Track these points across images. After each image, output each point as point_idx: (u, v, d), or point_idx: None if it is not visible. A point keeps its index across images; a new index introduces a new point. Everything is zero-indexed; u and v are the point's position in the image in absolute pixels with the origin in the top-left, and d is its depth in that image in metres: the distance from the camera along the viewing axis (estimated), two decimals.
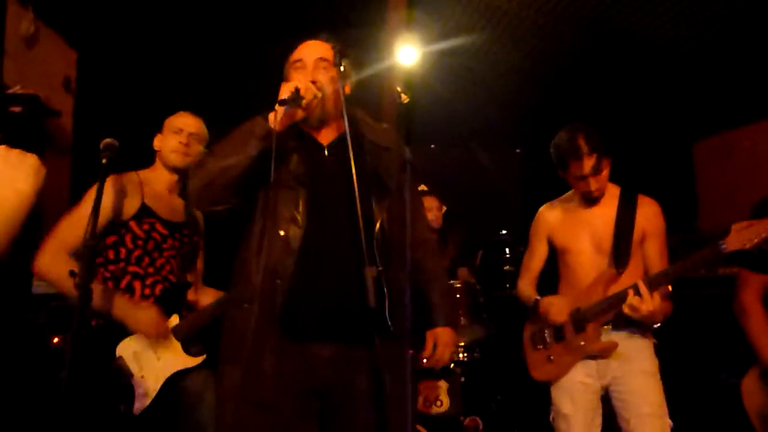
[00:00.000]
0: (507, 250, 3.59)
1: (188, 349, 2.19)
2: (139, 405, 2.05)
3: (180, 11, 3.46)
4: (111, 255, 2.16)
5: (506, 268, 3.60)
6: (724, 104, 4.49)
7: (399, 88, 3.68)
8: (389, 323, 1.68)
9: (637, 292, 2.03)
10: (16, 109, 2.83)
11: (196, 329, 2.21)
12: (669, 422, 2.14)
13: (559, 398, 2.27)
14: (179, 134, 2.28)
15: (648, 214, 2.25)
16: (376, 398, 1.67)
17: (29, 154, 1.04)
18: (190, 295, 2.40)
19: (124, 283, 2.15)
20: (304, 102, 1.66)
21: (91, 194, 2.01)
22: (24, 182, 1.01)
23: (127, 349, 2.10)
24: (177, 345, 2.17)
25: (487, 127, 4.61)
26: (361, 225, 1.59)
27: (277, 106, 1.63)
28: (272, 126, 1.63)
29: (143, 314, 2.09)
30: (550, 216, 2.42)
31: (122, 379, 2.05)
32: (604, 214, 2.28)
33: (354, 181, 1.59)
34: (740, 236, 1.91)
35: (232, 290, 1.83)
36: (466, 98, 4.29)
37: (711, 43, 3.86)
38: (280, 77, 1.93)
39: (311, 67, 1.81)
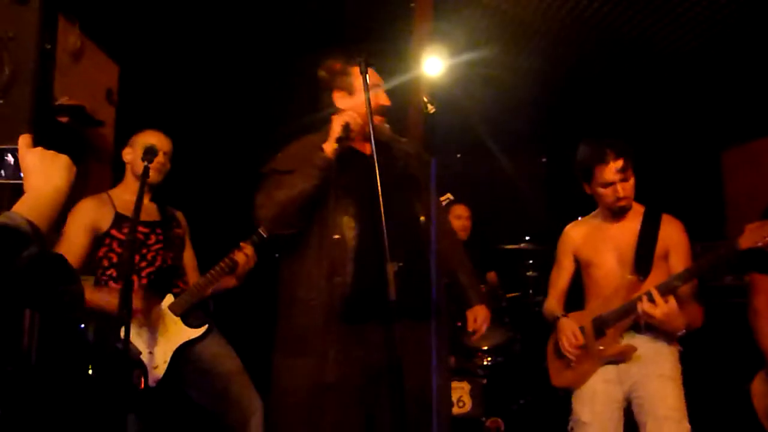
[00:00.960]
0: (530, 256, 3.64)
1: (189, 322, 2.40)
2: (154, 378, 2.26)
3: (216, 26, 3.62)
4: (105, 263, 2.39)
5: (529, 273, 3.64)
6: (753, 113, 4.45)
7: (425, 99, 3.79)
8: (434, 308, 2.03)
9: (651, 298, 2.06)
10: (64, 119, 3.01)
11: (191, 304, 2.42)
12: (687, 426, 2.13)
13: (579, 406, 2.28)
14: (160, 154, 2.41)
15: (671, 232, 2.29)
16: (420, 376, 1.96)
17: (61, 155, 1.18)
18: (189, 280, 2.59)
19: (121, 282, 2.29)
20: (353, 134, 1.99)
21: (72, 218, 2.32)
22: (59, 178, 1.14)
23: (131, 331, 2.26)
24: (178, 320, 2.38)
25: (512, 136, 4.66)
26: (406, 221, 1.99)
27: (334, 143, 1.95)
28: (329, 156, 1.95)
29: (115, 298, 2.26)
30: (576, 233, 2.46)
31: (132, 357, 2.23)
32: (629, 228, 2.31)
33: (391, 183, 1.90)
34: (753, 234, 1.94)
35: (287, 290, 2.05)
36: (490, 108, 4.35)
37: (740, 52, 3.86)
38: (310, 89, 2.16)
39: (374, 92, 2.05)
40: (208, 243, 2.76)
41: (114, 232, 2.37)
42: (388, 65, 2.29)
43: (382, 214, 1.77)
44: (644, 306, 2.07)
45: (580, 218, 2.54)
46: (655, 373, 2.20)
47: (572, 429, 2.32)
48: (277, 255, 2.91)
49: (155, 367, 2.27)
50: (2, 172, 1.20)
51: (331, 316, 1.91)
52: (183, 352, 2.35)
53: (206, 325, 2.43)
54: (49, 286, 1.00)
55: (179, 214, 2.68)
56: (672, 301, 2.06)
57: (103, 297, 2.25)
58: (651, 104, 4.62)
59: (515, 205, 4.66)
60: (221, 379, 2.38)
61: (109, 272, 2.37)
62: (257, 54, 3.88)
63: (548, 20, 3.61)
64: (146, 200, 2.49)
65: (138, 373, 2.24)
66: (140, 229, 2.41)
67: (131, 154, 2.48)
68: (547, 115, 4.58)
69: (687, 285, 2.16)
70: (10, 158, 1.19)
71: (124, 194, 2.46)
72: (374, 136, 2.01)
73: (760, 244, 1.93)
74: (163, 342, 2.33)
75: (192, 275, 2.63)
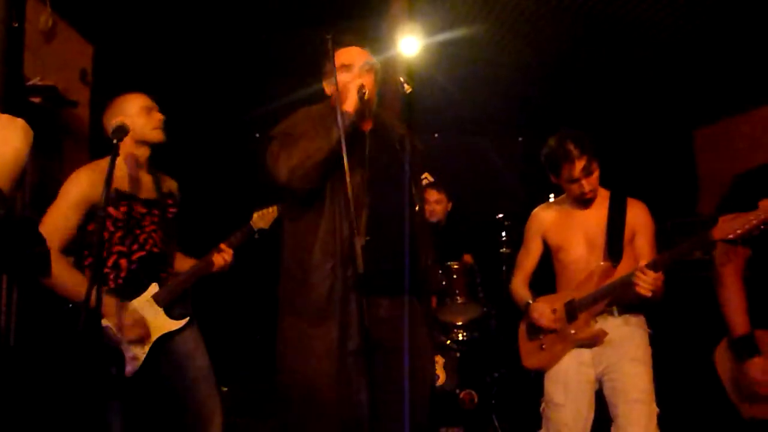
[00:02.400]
0: (503, 233, 3.70)
1: (171, 313, 2.37)
2: (131, 368, 2.22)
3: (189, 5, 3.59)
4: (95, 240, 2.23)
5: (503, 250, 3.71)
6: (724, 91, 4.53)
7: (402, 78, 3.80)
8: (426, 285, 2.14)
9: (644, 273, 2.10)
10: (36, 99, 2.98)
11: (175, 294, 2.39)
12: (656, 409, 2.23)
13: (553, 387, 2.34)
14: (153, 112, 2.38)
15: (637, 214, 2.38)
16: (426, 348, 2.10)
17: (18, 118, 1.20)
18: (174, 263, 2.55)
19: (110, 262, 2.27)
20: (366, 97, 2.00)
21: (66, 190, 2.20)
22: (17, 140, 1.16)
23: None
24: (160, 310, 2.34)
25: (489, 116, 4.70)
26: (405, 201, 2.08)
27: (356, 95, 1.98)
28: (352, 112, 1.97)
29: (130, 318, 2.25)
30: (545, 216, 2.53)
31: (111, 345, 2.20)
32: (596, 214, 2.40)
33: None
34: (726, 227, 2.00)
35: (302, 255, 2.07)
36: (467, 88, 4.37)
37: (711, 32, 3.90)
38: (287, 67, 2.19)
39: (358, 71, 2.09)
40: (193, 226, 2.77)
41: (110, 209, 2.24)
42: (364, 45, 2.30)
43: (349, 188, 1.83)
44: (641, 279, 2.11)
45: (551, 200, 2.61)
46: (627, 357, 2.28)
47: (544, 410, 2.39)
48: (256, 236, 2.95)
49: (133, 358, 2.23)
50: None
51: (347, 283, 1.96)
52: (162, 343, 2.32)
53: (187, 317, 2.40)
54: (15, 247, 1.01)
55: (174, 187, 2.57)
56: (660, 275, 2.13)
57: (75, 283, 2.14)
58: (625, 85, 4.67)
59: (492, 184, 4.71)
60: (190, 379, 2.37)
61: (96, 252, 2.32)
62: (234, 32, 3.86)
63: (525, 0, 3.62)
64: (144, 172, 2.42)
65: (116, 361, 2.23)
66: (138, 208, 2.33)
67: (131, 122, 2.26)
68: (524, 96, 4.62)
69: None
70: None
71: (122, 167, 2.33)
72: (375, 117, 2.17)
73: (731, 236, 2.00)
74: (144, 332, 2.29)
75: (177, 256, 2.59)
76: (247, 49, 4.02)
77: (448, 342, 3.42)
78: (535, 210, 2.60)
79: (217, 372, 2.47)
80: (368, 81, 2.09)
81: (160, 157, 2.52)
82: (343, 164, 1.91)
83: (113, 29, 3.72)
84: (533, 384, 2.56)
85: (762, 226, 1.97)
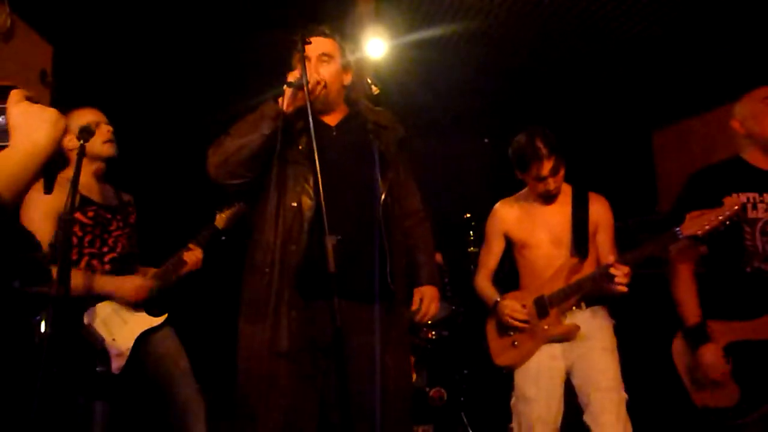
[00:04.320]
0: (471, 232, 3.75)
1: (150, 310, 2.42)
2: (117, 365, 2.26)
3: (151, 5, 3.54)
4: (61, 243, 2.27)
5: (470, 249, 3.76)
6: (681, 94, 4.68)
7: (369, 80, 3.81)
8: (391, 285, 1.99)
9: (619, 268, 2.17)
10: None
11: (153, 293, 2.43)
12: (625, 395, 2.30)
13: (523, 382, 2.38)
14: (101, 125, 2.40)
15: (599, 209, 2.45)
16: (372, 355, 1.94)
17: (49, 109, 1.10)
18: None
19: (83, 264, 2.31)
20: (309, 87, 1.85)
21: (32, 195, 2.17)
22: (40, 133, 1.07)
23: (94, 317, 2.29)
24: (141, 309, 2.40)
25: (455, 117, 4.75)
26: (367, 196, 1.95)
27: (285, 88, 1.89)
28: (281, 107, 1.89)
29: (129, 283, 2.34)
30: (507, 213, 2.54)
31: (95, 344, 2.20)
32: (560, 210, 2.45)
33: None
34: (693, 224, 2.09)
35: (248, 257, 2.03)
36: (433, 89, 4.41)
37: (670, 37, 4.03)
38: (251, 70, 2.15)
39: (315, 61, 2.02)
40: (156, 229, 2.76)
41: (78, 215, 2.29)
42: (329, 35, 2.29)
43: (320, 186, 1.74)
44: (620, 278, 2.16)
45: (510, 198, 2.60)
46: (596, 347, 2.34)
47: (514, 405, 2.42)
48: (223, 238, 2.93)
49: (119, 355, 2.26)
50: None
51: (284, 284, 1.91)
52: (144, 340, 2.36)
53: (166, 314, 2.45)
54: (4, 251, 0.94)
55: (130, 198, 2.63)
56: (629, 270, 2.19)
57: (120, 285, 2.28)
58: (587, 87, 4.78)
59: (458, 185, 4.77)
60: (174, 379, 2.41)
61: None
62: (197, 34, 3.82)
63: (486, 3, 3.68)
64: (102, 183, 2.47)
65: (101, 361, 2.23)
66: (103, 213, 2.39)
67: (72, 141, 2.32)
68: (490, 98, 4.68)
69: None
70: (1, 120, 1.09)
71: (84, 176, 2.31)
72: (344, 108, 2.10)
73: (699, 233, 2.08)
74: (126, 330, 2.33)
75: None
76: (212, 51, 3.99)
77: (417, 341, 3.45)
78: (496, 206, 2.61)
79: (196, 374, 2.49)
80: (326, 71, 2.01)
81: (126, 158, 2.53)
82: (291, 158, 1.91)
83: (73, 29, 3.64)
84: (501, 380, 2.59)
85: (727, 222, 2.05)
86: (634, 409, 2.32)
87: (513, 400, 2.43)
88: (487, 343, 2.55)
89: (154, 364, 2.39)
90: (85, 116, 2.38)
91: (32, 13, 3.36)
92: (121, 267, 2.40)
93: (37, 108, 1.09)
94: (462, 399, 3.45)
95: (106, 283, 2.29)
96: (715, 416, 2.19)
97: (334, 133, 2.06)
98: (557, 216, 2.45)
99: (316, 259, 1.86)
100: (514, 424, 2.42)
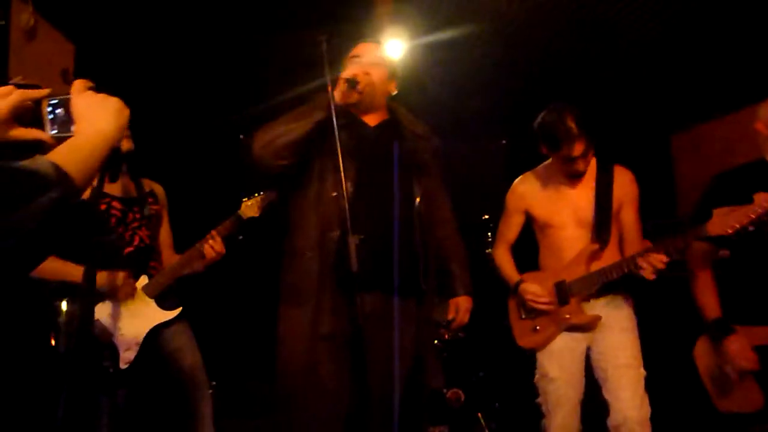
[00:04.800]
0: (489, 234, 3.74)
1: (163, 304, 2.39)
2: (125, 360, 2.25)
3: (173, 5, 3.57)
4: None
5: (488, 251, 3.74)
6: (700, 97, 4.64)
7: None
8: (423, 285, 2.11)
9: (655, 257, 2.16)
10: None
11: (165, 286, 2.41)
12: (643, 372, 2.31)
13: (547, 362, 2.40)
14: None
15: (624, 183, 2.40)
16: (403, 348, 2.04)
17: (112, 98, 1.12)
18: (165, 261, 2.56)
19: None
20: (359, 86, 2.02)
21: None
22: (105, 122, 1.07)
23: (103, 312, 2.27)
24: (151, 302, 2.36)
25: (473, 119, 4.74)
26: (399, 197, 2.05)
27: (340, 81, 2.03)
28: (332, 98, 1.97)
29: (109, 279, 2.28)
30: (528, 189, 2.51)
31: (103, 339, 2.20)
32: (585, 190, 2.40)
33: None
34: (722, 222, 2.03)
35: (288, 243, 2.12)
36: (452, 91, 4.41)
37: (689, 40, 4.01)
38: (273, 69, 2.20)
39: (366, 63, 2.15)
40: (186, 219, 2.76)
41: None
42: (350, 47, 2.33)
43: (344, 184, 1.84)
44: (653, 264, 2.15)
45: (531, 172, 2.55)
46: (615, 327, 2.35)
47: (538, 381, 2.44)
48: (240, 237, 2.94)
49: (127, 350, 2.25)
50: (54, 126, 1.11)
51: (324, 268, 1.98)
52: (155, 335, 2.34)
53: (179, 308, 2.41)
54: (77, 235, 0.94)
55: (158, 189, 2.62)
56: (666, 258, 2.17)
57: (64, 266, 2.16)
58: (606, 89, 4.75)
59: (477, 185, 4.75)
60: (182, 375, 2.39)
61: None
62: (217, 34, 3.85)
63: (505, 3, 3.67)
64: (123, 176, 2.46)
65: (109, 355, 2.23)
66: (116, 205, 2.37)
67: None
68: (507, 99, 4.67)
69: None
70: (60, 111, 1.10)
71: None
72: (391, 112, 2.21)
73: (729, 231, 2.02)
74: (136, 324, 2.30)
75: (167, 253, 2.60)
76: (233, 50, 4.01)
77: (435, 341, 3.44)
78: (516, 182, 2.57)
79: (207, 370, 2.48)
80: (376, 73, 2.13)
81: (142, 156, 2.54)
82: (334, 150, 1.93)
83: (95, 28, 3.68)
84: (517, 381, 2.60)
85: (757, 221, 1.98)
86: (656, 409, 2.31)
87: (537, 377, 2.45)
88: (510, 322, 2.55)
89: (164, 360, 2.38)
90: None
91: (55, 12, 3.39)
92: (137, 262, 2.38)
93: (101, 97, 1.10)
94: (479, 401, 3.44)
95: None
96: (740, 422, 2.16)
97: (372, 133, 2.16)
98: (582, 196, 2.40)
99: (347, 250, 1.93)
100: (540, 400, 2.43)
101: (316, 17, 3.40)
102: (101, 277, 2.25)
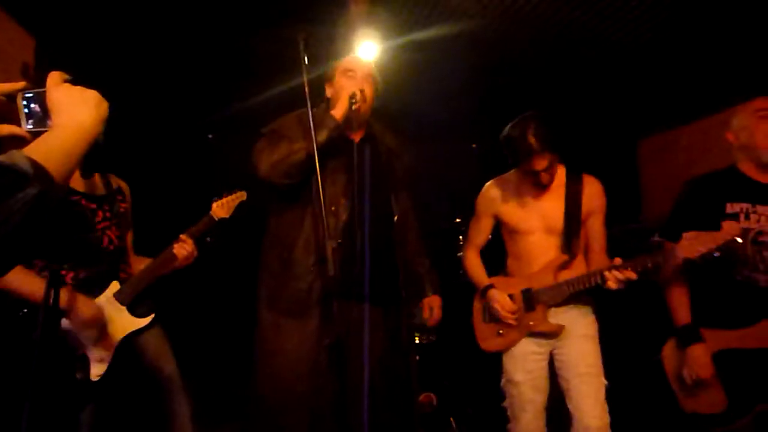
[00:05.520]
0: (461, 237, 3.75)
1: (135, 311, 2.30)
2: (97, 371, 2.15)
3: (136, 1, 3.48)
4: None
5: (460, 254, 3.75)
6: (666, 104, 4.75)
7: None
8: (403, 292, 2.28)
9: (623, 272, 2.18)
10: None
11: (138, 291, 2.32)
12: (604, 381, 2.35)
13: (511, 367, 2.44)
14: None
15: (593, 193, 2.43)
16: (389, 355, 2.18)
17: (90, 90, 1.08)
18: (130, 262, 2.48)
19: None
20: (355, 106, 2.12)
21: None
22: (83, 114, 1.05)
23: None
24: (124, 309, 2.27)
25: (444, 122, 4.75)
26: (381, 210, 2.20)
27: (343, 99, 2.12)
28: (338, 119, 2.11)
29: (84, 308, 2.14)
30: (498, 193, 2.52)
31: (74, 349, 2.10)
32: (553, 198, 2.42)
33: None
34: (690, 246, 2.08)
35: (283, 255, 2.15)
36: (424, 93, 4.41)
37: (656, 46, 4.09)
38: (240, 70, 2.24)
39: (360, 79, 2.23)
40: (149, 219, 2.69)
41: None
42: (323, 49, 2.32)
43: (322, 199, 1.90)
44: (619, 278, 2.19)
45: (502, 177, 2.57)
46: (577, 334, 2.39)
47: (506, 386, 2.47)
48: (208, 239, 2.88)
49: (100, 360, 2.15)
50: (30, 121, 1.08)
51: (328, 279, 1.97)
52: (129, 345, 2.25)
53: (153, 314, 2.34)
54: (56, 231, 0.91)
55: (124, 186, 2.52)
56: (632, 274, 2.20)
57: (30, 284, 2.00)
58: (576, 94, 4.82)
59: (449, 189, 4.77)
60: (159, 384, 2.33)
61: None
62: (183, 32, 3.76)
63: (477, 7, 3.68)
64: (78, 171, 2.32)
65: (80, 367, 2.13)
66: (85, 203, 2.22)
67: None
68: (478, 103, 4.69)
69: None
70: (36, 105, 1.08)
71: None
72: (368, 128, 2.30)
73: (695, 255, 2.06)
74: (109, 333, 2.20)
75: (131, 256, 2.50)
76: (196, 49, 3.93)
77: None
78: (487, 185, 2.59)
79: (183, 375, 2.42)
80: (368, 90, 2.23)
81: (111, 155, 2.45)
82: (328, 166, 2.06)
83: (56, 22, 3.56)
84: (488, 384, 2.62)
85: (724, 247, 2.03)
86: (623, 411, 2.36)
87: (503, 382, 2.49)
88: (473, 323, 2.60)
89: (138, 369, 2.30)
90: None
91: (14, 5, 3.27)
92: (109, 264, 2.28)
93: (78, 90, 1.07)
94: (451, 404, 3.44)
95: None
96: (703, 422, 2.21)
97: (357, 149, 2.24)
98: (550, 205, 2.42)
99: (350, 259, 2.11)
100: (506, 404, 2.47)
101: (289, 18, 3.35)
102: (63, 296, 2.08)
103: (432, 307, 2.48)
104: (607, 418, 2.31)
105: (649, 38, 3.99)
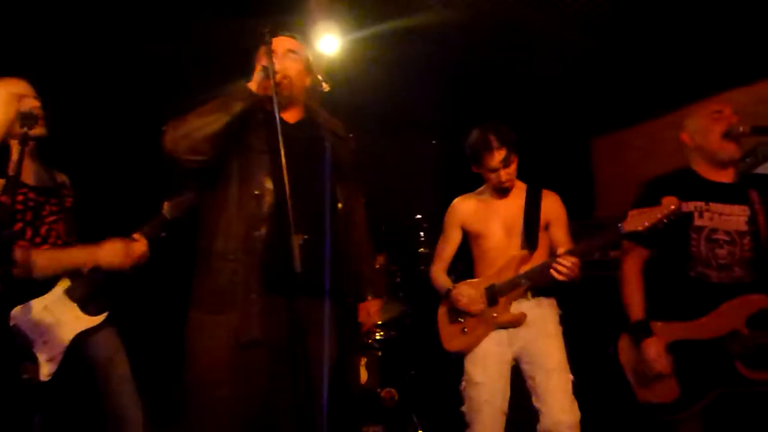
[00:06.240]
0: (422, 233, 3.78)
1: (87, 308, 2.22)
2: (46, 371, 2.06)
3: None
4: None
5: (421, 250, 3.78)
6: (619, 105, 4.89)
7: (320, 77, 3.75)
8: (346, 287, 2.08)
9: (564, 260, 2.29)
10: None
11: (90, 289, 2.24)
12: (571, 377, 2.43)
13: (472, 367, 2.48)
14: (26, 99, 2.15)
15: (551, 205, 2.57)
16: (331, 357, 1.98)
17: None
18: None
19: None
20: (276, 78, 1.89)
21: None
22: None
23: (21, 317, 2.07)
24: (74, 306, 2.18)
25: (404, 118, 4.76)
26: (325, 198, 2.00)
27: (258, 70, 1.93)
28: (252, 88, 1.91)
29: (110, 247, 2.16)
30: (464, 207, 2.65)
31: (22, 348, 2.02)
32: (514, 204, 2.56)
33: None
34: (635, 220, 2.20)
35: (205, 246, 1.96)
36: (385, 87, 4.40)
37: (608, 49, 4.20)
38: (199, 61, 2.09)
39: (281, 56, 2.04)
40: (102, 220, 2.58)
41: (4, 199, 2.02)
42: (295, 35, 2.26)
43: (286, 185, 1.75)
44: (561, 269, 2.29)
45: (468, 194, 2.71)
46: (541, 334, 2.46)
47: (464, 389, 2.51)
48: (163, 234, 2.80)
49: (49, 360, 2.06)
50: None
51: (251, 271, 1.88)
52: (79, 343, 2.16)
53: (105, 313, 2.25)
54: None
55: (65, 179, 2.43)
56: (576, 260, 2.31)
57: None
58: (532, 93, 4.91)
59: (410, 185, 4.79)
60: (111, 386, 2.24)
61: None
62: (144, 21, 3.64)
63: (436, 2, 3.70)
64: (36, 162, 2.24)
65: (29, 367, 2.04)
66: (33, 197, 2.15)
67: (5, 114, 2.07)
68: (438, 99, 4.72)
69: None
70: None
71: (12, 155, 2.13)
72: (307, 111, 2.14)
73: (640, 228, 2.19)
74: (59, 332, 2.12)
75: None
76: (155, 38, 3.81)
77: (369, 341, 3.44)
78: (455, 201, 2.71)
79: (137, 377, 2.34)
80: (292, 66, 2.05)
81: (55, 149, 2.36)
82: (251, 147, 1.91)
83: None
84: (449, 378, 2.65)
85: (665, 220, 2.17)
86: (581, 402, 2.40)
87: (463, 384, 2.53)
88: (438, 329, 2.63)
89: (89, 369, 2.22)
90: (12, 87, 2.14)
91: None
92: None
93: None
94: (413, 399, 3.46)
95: (76, 254, 2.09)
96: (656, 411, 2.29)
97: (292, 131, 2.03)
98: (511, 209, 2.56)
99: (277, 251, 1.87)
100: (464, 408, 2.50)
101: (246, 9, 3.29)
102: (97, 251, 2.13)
103: (368, 312, 2.33)
104: (577, 413, 2.37)
105: (603, 41, 4.10)
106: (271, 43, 1.91)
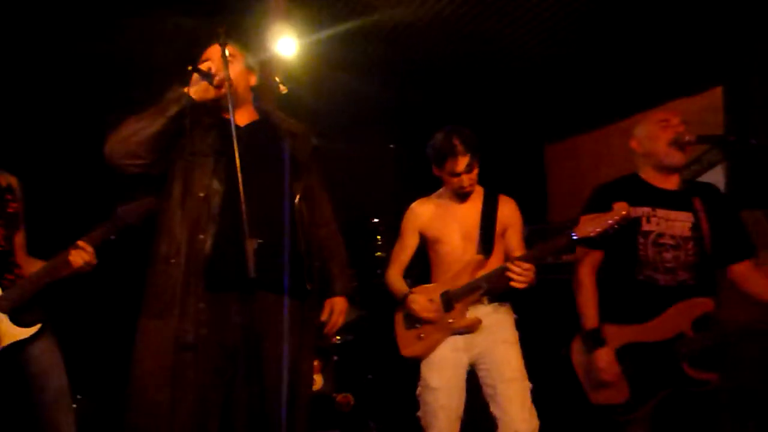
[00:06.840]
0: (379, 237, 3.77)
1: (19, 319, 2.12)
2: None
3: None
4: None
5: (378, 254, 3.78)
6: (572, 111, 5.01)
7: (277, 79, 3.72)
8: (308, 286, 2.04)
9: (518, 266, 2.28)
10: None
11: (23, 299, 2.15)
12: (529, 384, 2.43)
13: (428, 373, 2.46)
14: None
15: (507, 211, 2.58)
16: (285, 360, 1.92)
17: None
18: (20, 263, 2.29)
19: None
20: (215, 80, 1.87)
21: None
22: None
23: None
24: (4, 317, 2.10)
25: (361, 121, 4.75)
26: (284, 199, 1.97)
27: (193, 73, 1.89)
28: (185, 91, 1.88)
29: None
30: (422, 211, 2.63)
31: None
32: (471, 209, 2.55)
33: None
34: (587, 226, 2.23)
35: (153, 250, 1.93)
36: (343, 90, 4.39)
37: (561, 58, 4.31)
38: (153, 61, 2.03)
39: (216, 60, 1.95)
40: (50, 226, 2.47)
41: None
42: (241, 43, 2.23)
43: (240, 186, 1.73)
44: (516, 275, 2.28)
45: (426, 198, 2.68)
46: (499, 340, 2.46)
47: (420, 394, 2.49)
48: (113, 237, 2.70)
49: None
50: None
51: (191, 274, 1.85)
52: (13, 355, 2.07)
53: (39, 324, 2.15)
54: None
55: (14, 182, 2.32)
56: (531, 266, 2.31)
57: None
58: (487, 99, 4.98)
59: (368, 189, 4.78)
60: (44, 400, 2.15)
61: None
62: (103, 19, 3.53)
63: (391, 6, 3.70)
64: None
65: None
66: None
67: None
68: (395, 103, 4.74)
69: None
70: None
71: None
72: (260, 113, 2.11)
73: (592, 234, 2.22)
74: None
75: (20, 256, 2.30)
76: (110, 36, 3.69)
77: (323, 344, 3.40)
78: (413, 205, 2.68)
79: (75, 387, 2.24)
80: (232, 69, 1.94)
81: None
82: (195, 150, 1.89)
83: None
84: (405, 383, 2.64)
85: (616, 225, 2.20)
86: (537, 404, 2.43)
87: (419, 390, 2.51)
88: (395, 334, 2.60)
89: (22, 384, 2.12)
90: None
91: None
92: None
93: None
94: (369, 404, 3.44)
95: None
96: (608, 412, 2.34)
97: (243, 134, 1.98)
98: (468, 213, 2.55)
99: (224, 252, 1.87)
100: (420, 413, 2.49)
101: (206, 14, 3.22)
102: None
103: (333, 309, 2.22)
104: (536, 422, 2.38)
105: (557, 49, 4.19)
106: (225, 44, 1.86)
